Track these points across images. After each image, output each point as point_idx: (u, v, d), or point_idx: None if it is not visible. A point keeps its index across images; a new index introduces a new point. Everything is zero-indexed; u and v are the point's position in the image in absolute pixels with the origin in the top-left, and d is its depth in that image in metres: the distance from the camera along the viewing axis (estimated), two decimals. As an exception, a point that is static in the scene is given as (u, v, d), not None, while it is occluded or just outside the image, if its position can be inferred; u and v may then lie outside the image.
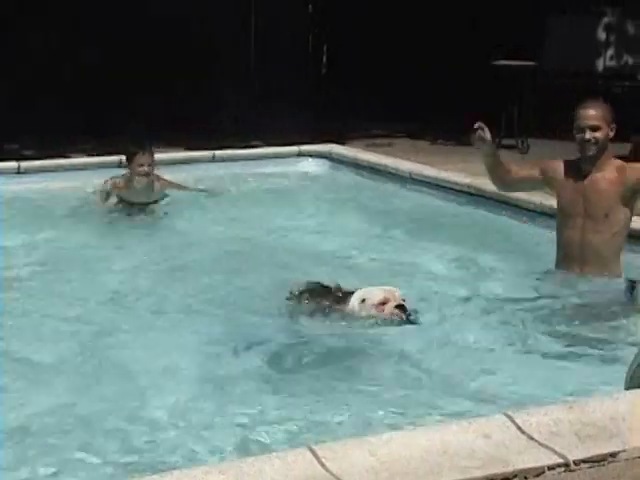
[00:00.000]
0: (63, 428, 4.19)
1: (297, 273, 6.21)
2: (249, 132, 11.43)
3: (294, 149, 10.30)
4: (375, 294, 5.44)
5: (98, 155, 9.84)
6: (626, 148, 10.61)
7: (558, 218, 6.30)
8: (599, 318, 5.52)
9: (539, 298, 5.99)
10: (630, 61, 14.53)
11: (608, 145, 6.02)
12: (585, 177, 6.03)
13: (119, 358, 4.99)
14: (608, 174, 5.96)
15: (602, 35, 14.90)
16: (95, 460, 3.97)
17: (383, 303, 5.37)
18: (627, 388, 4.09)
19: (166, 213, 8.05)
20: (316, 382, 4.71)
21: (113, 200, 8.02)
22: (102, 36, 12.70)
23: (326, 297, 5.60)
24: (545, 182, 6.35)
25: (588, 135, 5.89)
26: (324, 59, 15.43)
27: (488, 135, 6.20)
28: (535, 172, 6.35)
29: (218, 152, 9.96)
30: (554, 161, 6.30)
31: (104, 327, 5.46)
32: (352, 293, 5.53)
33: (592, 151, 5.93)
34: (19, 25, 12.33)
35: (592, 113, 5.94)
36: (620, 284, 5.72)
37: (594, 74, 14.80)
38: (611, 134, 5.96)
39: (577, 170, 6.09)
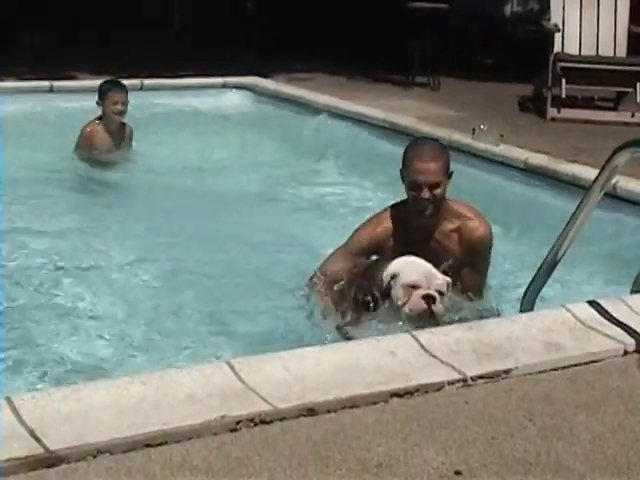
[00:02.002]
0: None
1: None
2: (175, 67, 11.25)
3: (219, 80, 10.17)
4: (408, 272, 4.22)
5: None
6: (529, 89, 10.71)
7: None
8: None
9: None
10: (535, 7, 14.57)
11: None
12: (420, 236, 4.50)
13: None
14: (446, 228, 4.52)
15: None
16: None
17: (413, 287, 4.18)
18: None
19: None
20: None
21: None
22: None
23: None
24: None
25: (427, 194, 4.38)
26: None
27: None
28: (355, 254, 4.55)
29: (146, 81, 9.78)
30: (376, 228, 4.57)
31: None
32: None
33: (430, 210, 4.42)
34: None
35: (433, 167, 4.37)
36: None
37: (502, 18, 14.83)
38: (448, 182, 4.47)
39: (409, 228, 4.53)
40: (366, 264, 4.49)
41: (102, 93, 7.31)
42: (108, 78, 7.68)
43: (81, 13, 12.20)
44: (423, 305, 4.13)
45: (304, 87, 10.30)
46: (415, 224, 4.48)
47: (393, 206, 4.61)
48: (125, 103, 7.32)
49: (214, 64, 10.88)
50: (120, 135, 7.42)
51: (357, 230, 4.61)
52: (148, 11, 13.22)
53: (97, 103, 7.30)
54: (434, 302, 4.13)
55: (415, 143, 4.61)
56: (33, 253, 5.37)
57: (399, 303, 4.17)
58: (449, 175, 4.46)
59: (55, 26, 11.84)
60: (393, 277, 4.19)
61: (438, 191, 4.38)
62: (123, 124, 7.44)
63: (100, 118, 7.33)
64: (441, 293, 4.17)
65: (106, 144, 7.32)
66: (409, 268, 4.20)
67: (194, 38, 12.72)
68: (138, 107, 8.59)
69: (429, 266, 4.23)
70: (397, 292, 4.18)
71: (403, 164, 4.46)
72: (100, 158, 7.25)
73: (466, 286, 4.47)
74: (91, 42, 11.77)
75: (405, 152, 4.49)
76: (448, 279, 4.25)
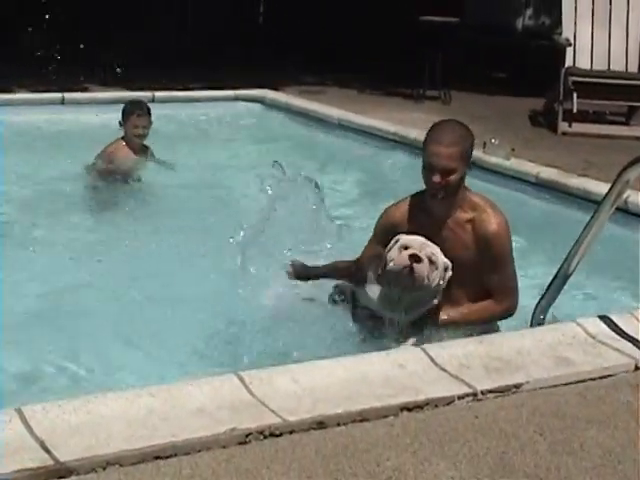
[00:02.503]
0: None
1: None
2: (187, 79, 11.28)
3: (230, 93, 10.20)
4: (407, 238, 4.21)
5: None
6: (540, 103, 10.71)
7: None
8: None
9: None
10: (547, 21, 14.58)
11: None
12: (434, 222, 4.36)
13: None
14: (460, 217, 4.33)
15: (522, -5, 14.97)
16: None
17: (405, 248, 4.15)
18: (532, 325, 4.16)
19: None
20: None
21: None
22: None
23: None
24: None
25: (438, 179, 4.19)
26: (260, 11, 15.22)
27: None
28: (378, 241, 4.44)
29: (158, 93, 9.81)
30: (395, 212, 4.48)
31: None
32: None
33: (441, 194, 4.24)
34: None
35: (447, 152, 4.16)
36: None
37: (513, 32, 14.85)
38: (467, 173, 4.29)
39: (424, 213, 4.39)
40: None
41: (125, 115, 7.19)
42: (132, 99, 7.58)
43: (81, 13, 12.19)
44: (406, 261, 4.07)
45: (315, 100, 10.32)
46: (430, 210, 4.33)
47: (415, 193, 4.47)
48: (147, 127, 7.20)
49: (221, 76, 10.91)
50: (141, 155, 7.40)
51: (379, 218, 4.54)
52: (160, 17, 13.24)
53: (119, 123, 7.20)
54: (418, 261, 4.06)
55: (438, 123, 4.39)
56: (47, 265, 5.38)
57: (390, 264, 4.13)
58: (469, 164, 4.25)
59: (55, 26, 11.87)
60: (396, 242, 4.17)
61: (452, 177, 4.18)
62: (145, 145, 7.42)
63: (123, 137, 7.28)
64: (432, 262, 4.10)
65: (127, 162, 7.30)
66: (410, 236, 4.19)
67: (203, 50, 12.73)
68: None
69: (430, 243, 4.17)
70: (392, 253, 4.14)
71: (423, 143, 4.29)
72: (119, 174, 7.24)
73: (491, 288, 4.28)
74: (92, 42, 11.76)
75: (427, 132, 4.32)
76: (447, 261, 4.16)
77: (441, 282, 4.16)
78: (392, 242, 4.18)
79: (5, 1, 11.81)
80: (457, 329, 4.19)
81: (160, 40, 12.33)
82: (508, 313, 4.31)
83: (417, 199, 4.42)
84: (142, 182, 7.26)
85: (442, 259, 4.15)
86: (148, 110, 7.20)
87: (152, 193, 7.12)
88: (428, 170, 4.21)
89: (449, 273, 4.17)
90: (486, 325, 4.27)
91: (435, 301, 4.19)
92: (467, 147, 4.24)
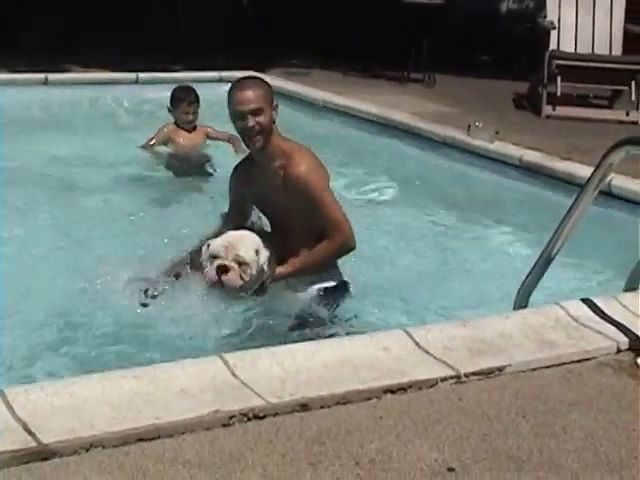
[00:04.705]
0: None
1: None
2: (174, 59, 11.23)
3: (215, 74, 10.15)
4: (214, 243, 4.30)
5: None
6: (524, 87, 10.71)
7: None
8: None
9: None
10: (531, 4, 14.57)
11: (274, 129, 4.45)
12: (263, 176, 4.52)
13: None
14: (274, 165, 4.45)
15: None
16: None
17: (215, 257, 4.23)
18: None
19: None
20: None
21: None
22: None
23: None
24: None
25: (252, 122, 4.31)
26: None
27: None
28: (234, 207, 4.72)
29: (142, 74, 9.77)
30: (236, 176, 4.67)
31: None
32: None
33: (260, 140, 4.36)
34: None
35: (250, 95, 4.34)
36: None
37: (497, 15, 14.83)
38: (275, 116, 4.42)
39: (255, 169, 4.56)
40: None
41: (175, 101, 7.39)
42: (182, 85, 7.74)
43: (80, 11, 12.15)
44: (214, 276, 4.18)
45: (300, 82, 10.29)
46: (258, 165, 4.51)
47: (241, 162, 4.71)
48: (196, 112, 7.41)
49: (210, 58, 10.86)
50: (194, 137, 7.52)
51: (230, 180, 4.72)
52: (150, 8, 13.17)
53: (168, 108, 7.39)
54: (226, 271, 4.16)
55: (237, 80, 4.55)
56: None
57: (205, 278, 4.24)
58: (274, 106, 4.43)
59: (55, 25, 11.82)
60: (208, 247, 4.29)
61: (262, 119, 4.33)
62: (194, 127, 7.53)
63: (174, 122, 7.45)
64: (242, 263, 4.19)
65: (179, 145, 7.44)
66: (219, 239, 4.29)
67: (191, 33, 12.66)
68: (132, 100, 8.68)
69: (243, 237, 4.30)
70: (205, 263, 4.26)
71: (228, 108, 4.43)
72: (176, 155, 7.38)
73: (321, 229, 4.39)
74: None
75: (228, 91, 4.47)
76: (266, 252, 4.29)
77: (264, 267, 4.28)
78: (204, 248, 4.31)
79: (5, 1, 11.70)
80: (301, 276, 4.42)
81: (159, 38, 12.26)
82: (347, 247, 4.46)
83: (248, 160, 4.61)
84: (206, 163, 7.41)
85: (252, 251, 4.24)
86: (196, 96, 7.42)
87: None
88: (239, 119, 4.35)
89: (265, 254, 4.29)
90: (328, 266, 4.49)
91: (265, 276, 4.31)
92: (268, 90, 4.47)
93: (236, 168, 4.72)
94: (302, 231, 4.41)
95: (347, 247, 4.45)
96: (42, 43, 11.47)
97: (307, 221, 4.39)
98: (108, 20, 12.04)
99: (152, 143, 7.40)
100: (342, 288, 4.57)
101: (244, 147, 4.66)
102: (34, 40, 11.59)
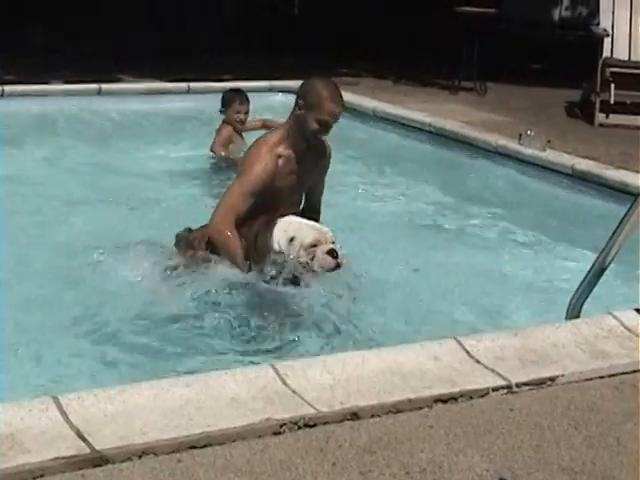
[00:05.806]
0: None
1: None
2: (222, 68, 11.27)
3: (265, 84, 10.19)
4: (305, 233, 4.42)
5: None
6: (577, 95, 10.62)
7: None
8: None
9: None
10: (584, 12, 14.46)
11: None
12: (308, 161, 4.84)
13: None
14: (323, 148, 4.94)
15: (558, -14, 14.86)
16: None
17: (314, 245, 4.37)
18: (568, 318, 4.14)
19: None
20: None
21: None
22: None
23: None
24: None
25: (334, 121, 4.73)
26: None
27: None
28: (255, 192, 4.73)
29: (193, 84, 9.83)
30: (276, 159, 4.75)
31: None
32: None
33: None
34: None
35: (342, 100, 4.75)
36: None
37: (550, 23, 14.74)
38: None
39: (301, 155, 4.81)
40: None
41: (226, 102, 7.58)
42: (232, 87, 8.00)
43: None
44: (331, 261, 4.37)
45: (350, 91, 10.28)
46: (306, 149, 4.80)
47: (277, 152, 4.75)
48: (247, 112, 7.61)
49: (255, 68, 10.90)
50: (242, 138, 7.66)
51: (250, 160, 4.78)
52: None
53: (220, 110, 7.57)
54: (337, 256, 4.39)
55: (325, 83, 4.83)
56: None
57: (301, 260, 4.36)
58: None
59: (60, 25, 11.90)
60: (292, 240, 4.39)
61: None
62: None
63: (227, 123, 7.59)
64: (334, 243, 4.44)
65: (237, 145, 7.56)
66: (303, 228, 4.45)
67: (231, 39, 12.71)
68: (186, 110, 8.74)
69: (313, 223, 4.55)
70: (298, 253, 4.37)
71: (319, 105, 4.66)
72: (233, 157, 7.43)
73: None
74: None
75: (317, 89, 4.75)
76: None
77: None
78: (286, 242, 4.39)
79: (5, 1, 11.83)
80: None
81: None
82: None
83: (287, 148, 4.76)
84: None
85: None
86: (246, 97, 7.67)
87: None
88: (332, 117, 4.69)
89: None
90: None
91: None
92: None
93: (278, 156, 4.72)
94: (319, 204, 5.02)
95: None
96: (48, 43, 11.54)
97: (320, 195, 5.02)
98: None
99: (220, 147, 7.50)
100: None
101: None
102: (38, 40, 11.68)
